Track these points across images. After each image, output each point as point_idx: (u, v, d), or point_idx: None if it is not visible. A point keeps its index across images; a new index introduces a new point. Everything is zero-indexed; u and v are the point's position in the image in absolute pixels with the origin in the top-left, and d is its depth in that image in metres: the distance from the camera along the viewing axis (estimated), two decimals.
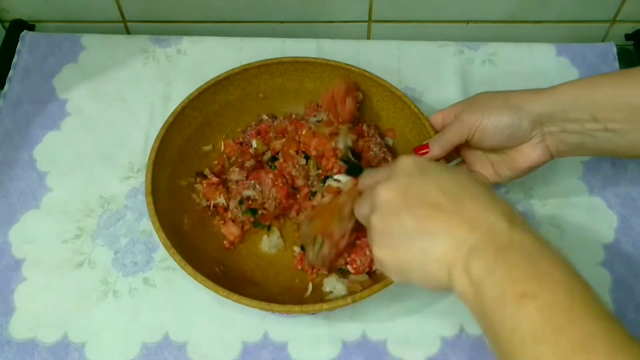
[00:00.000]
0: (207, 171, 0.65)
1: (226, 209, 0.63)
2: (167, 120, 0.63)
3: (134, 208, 0.66)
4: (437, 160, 0.59)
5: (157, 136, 0.62)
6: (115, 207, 0.66)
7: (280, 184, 0.62)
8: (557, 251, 0.40)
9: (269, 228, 0.63)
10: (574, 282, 0.38)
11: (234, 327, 0.59)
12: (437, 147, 0.59)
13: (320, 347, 0.58)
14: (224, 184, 0.64)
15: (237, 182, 0.63)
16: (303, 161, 0.63)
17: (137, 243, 0.64)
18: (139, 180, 0.67)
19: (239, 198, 0.62)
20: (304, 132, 0.64)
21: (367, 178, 0.52)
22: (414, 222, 0.43)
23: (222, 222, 0.63)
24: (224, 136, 0.68)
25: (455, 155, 0.63)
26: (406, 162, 0.47)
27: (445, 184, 0.44)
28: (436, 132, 0.61)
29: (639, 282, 0.61)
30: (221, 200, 0.63)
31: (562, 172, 0.68)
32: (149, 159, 0.60)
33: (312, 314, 0.55)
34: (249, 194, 0.62)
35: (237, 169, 0.64)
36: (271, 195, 0.61)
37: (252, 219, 0.63)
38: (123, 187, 0.67)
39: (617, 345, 0.35)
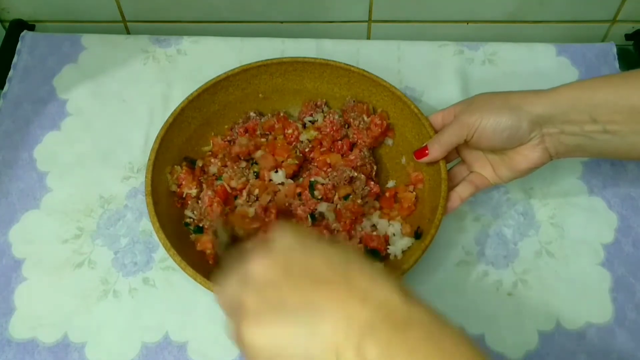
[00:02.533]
0: (199, 162, 0.65)
1: (197, 200, 0.63)
2: (167, 121, 0.63)
3: (134, 208, 0.66)
4: (433, 163, 0.60)
5: (157, 136, 0.62)
6: (115, 207, 0.66)
7: (216, 204, 0.60)
8: (453, 325, 0.36)
9: None
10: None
11: None
12: (437, 148, 0.59)
13: None
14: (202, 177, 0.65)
15: (213, 175, 0.64)
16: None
17: (137, 243, 0.64)
18: (139, 180, 0.67)
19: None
20: (289, 131, 0.65)
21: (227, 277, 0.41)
22: (298, 296, 0.37)
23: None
24: (212, 133, 0.67)
25: (455, 155, 0.63)
26: (282, 236, 0.40)
27: (330, 257, 0.38)
28: (436, 132, 0.61)
29: (639, 282, 0.61)
30: (192, 191, 0.62)
31: (562, 172, 0.68)
32: (149, 159, 0.60)
33: None
34: (190, 215, 0.61)
35: (218, 162, 0.64)
36: (206, 214, 0.60)
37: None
38: (123, 187, 0.67)
39: None
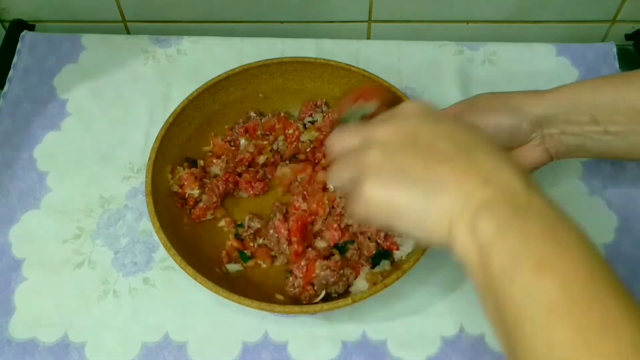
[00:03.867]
0: (201, 162, 0.65)
1: (197, 202, 0.63)
2: (167, 121, 0.63)
3: (134, 208, 0.66)
4: None
5: (157, 136, 0.62)
6: (115, 207, 0.66)
7: (293, 235, 0.60)
8: (577, 224, 0.36)
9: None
10: (596, 259, 0.35)
11: (234, 327, 0.59)
12: None
13: (320, 347, 0.58)
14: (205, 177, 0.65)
15: (215, 176, 0.64)
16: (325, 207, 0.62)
17: (137, 243, 0.64)
18: (139, 180, 0.67)
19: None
20: (290, 131, 0.65)
21: (348, 135, 0.44)
22: (422, 166, 0.38)
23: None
24: (212, 134, 0.67)
25: None
26: (412, 106, 0.42)
27: (456, 134, 0.40)
28: None
29: (639, 282, 0.61)
30: (195, 192, 0.62)
31: (562, 173, 0.68)
32: (149, 159, 0.60)
33: (312, 314, 0.55)
34: (265, 243, 0.62)
35: (221, 164, 0.64)
36: (282, 247, 0.61)
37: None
38: (123, 187, 0.67)
39: (635, 321, 0.32)
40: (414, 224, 0.39)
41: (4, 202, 0.66)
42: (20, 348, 0.58)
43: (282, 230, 0.60)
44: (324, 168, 0.64)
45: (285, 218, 0.61)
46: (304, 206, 0.61)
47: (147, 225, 0.64)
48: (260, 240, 0.62)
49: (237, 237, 0.62)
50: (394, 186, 0.39)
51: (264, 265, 0.61)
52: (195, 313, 0.60)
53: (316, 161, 0.65)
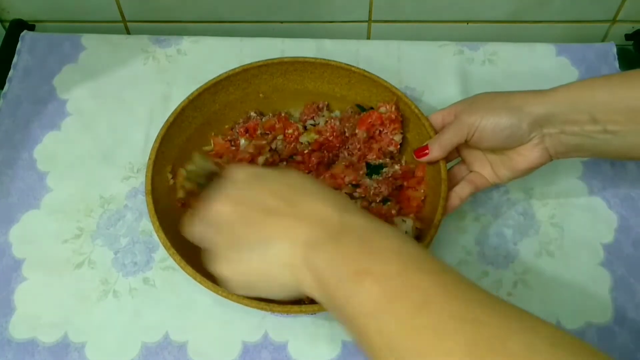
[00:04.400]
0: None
1: None
2: (167, 120, 0.63)
3: (134, 208, 0.66)
4: (433, 163, 0.60)
5: (157, 136, 0.62)
6: (115, 207, 0.66)
7: None
8: (390, 227, 0.41)
9: None
10: (406, 250, 0.39)
11: (234, 327, 0.59)
12: (437, 148, 0.59)
13: (320, 347, 0.58)
14: None
15: None
16: None
17: (137, 243, 0.64)
18: (139, 180, 0.67)
19: None
20: (289, 131, 0.65)
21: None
22: (250, 231, 0.43)
23: None
24: (212, 134, 0.67)
25: (455, 154, 0.63)
26: (236, 172, 0.47)
27: (278, 188, 0.44)
28: (436, 132, 0.61)
29: (639, 282, 0.61)
30: None
31: (562, 172, 0.68)
32: (149, 159, 0.60)
33: (312, 314, 0.55)
34: None
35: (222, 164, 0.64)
36: None
37: None
38: (123, 187, 0.67)
39: (451, 296, 0.35)
40: (267, 284, 0.43)
41: (4, 202, 0.66)
42: (20, 348, 0.58)
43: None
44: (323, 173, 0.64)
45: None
46: None
47: (147, 225, 0.64)
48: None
49: None
50: (235, 262, 0.44)
51: None
52: (195, 313, 0.60)
53: (310, 165, 0.65)
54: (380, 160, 0.64)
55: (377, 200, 0.61)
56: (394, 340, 0.35)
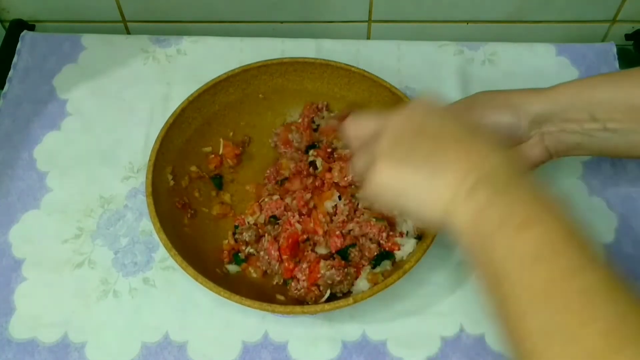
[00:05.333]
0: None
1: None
2: (167, 122, 0.63)
3: (134, 208, 0.66)
4: None
5: (157, 137, 0.62)
6: (115, 207, 0.66)
7: (283, 253, 0.59)
8: (560, 199, 0.41)
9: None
10: (574, 220, 0.39)
11: (234, 327, 0.59)
12: None
13: (320, 347, 0.58)
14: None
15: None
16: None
17: (137, 243, 0.64)
18: (139, 180, 0.67)
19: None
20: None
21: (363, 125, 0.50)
22: (428, 149, 0.43)
23: None
24: (221, 137, 0.67)
25: None
26: (420, 101, 0.47)
27: (460, 122, 0.45)
28: None
29: (639, 282, 0.61)
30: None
31: (562, 172, 0.68)
32: (149, 160, 0.60)
33: (313, 314, 0.55)
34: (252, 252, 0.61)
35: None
36: (274, 268, 0.60)
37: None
38: (123, 187, 0.67)
39: (609, 277, 0.35)
40: (418, 201, 0.43)
41: (4, 202, 0.66)
42: (20, 348, 0.58)
43: (272, 252, 0.59)
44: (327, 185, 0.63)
45: (276, 238, 0.60)
46: (298, 226, 0.60)
47: (147, 225, 0.64)
48: (249, 249, 0.61)
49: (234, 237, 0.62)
50: (402, 166, 0.43)
51: (254, 275, 0.60)
52: (195, 313, 0.60)
53: (309, 174, 0.65)
54: None
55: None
56: (539, 296, 0.35)
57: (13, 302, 0.60)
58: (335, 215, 0.62)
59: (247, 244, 0.61)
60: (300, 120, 0.69)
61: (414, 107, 0.47)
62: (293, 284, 0.58)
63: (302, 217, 0.61)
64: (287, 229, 0.60)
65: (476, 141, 0.43)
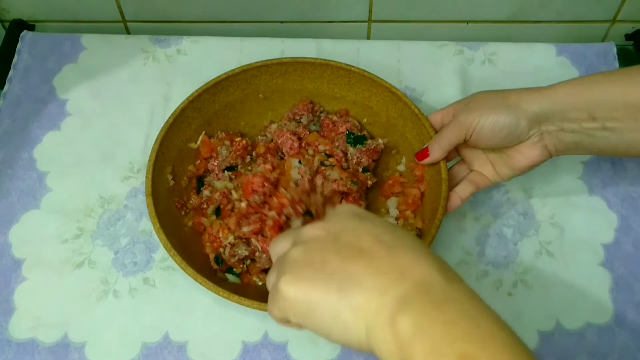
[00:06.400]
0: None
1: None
2: (167, 121, 0.63)
3: (134, 208, 0.66)
4: (434, 164, 0.60)
5: (157, 137, 0.62)
6: (115, 207, 0.66)
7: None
8: (496, 313, 0.36)
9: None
10: (519, 346, 0.33)
11: (234, 327, 0.59)
12: (437, 149, 0.59)
13: (320, 347, 0.58)
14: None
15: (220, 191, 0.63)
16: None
17: (137, 243, 0.64)
18: (139, 180, 0.67)
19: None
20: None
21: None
22: (339, 261, 0.38)
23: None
24: (203, 132, 0.66)
25: (455, 154, 0.63)
26: (344, 208, 0.43)
27: (380, 232, 0.40)
28: (436, 131, 0.61)
29: (639, 282, 0.61)
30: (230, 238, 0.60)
31: (562, 172, 0.68)
32: (149, 160, 0.60)
33: None
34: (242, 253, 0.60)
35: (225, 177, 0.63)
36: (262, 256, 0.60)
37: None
38: (123, 187, 0.67)
39: None
40: (329, 323, 0.37)
41: (4, 202, 0.66)
42: (20, 348, 0.58)
43: (268, 248, 0.58)
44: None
45: (262, 234, 0.59)
46: (272, 213, 0.59)
47: (147, 225, 0.64)
48: (249, 262, 0.60)
49: (217, 262, 0.60)
50: (307, 282, 0.38)
51: (259, 283, 0.60)
52: (195, 313, 0.60)
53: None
54: (364, 132, 0.67)
55: (359, 170, 0.64)
56: None
57: (13, 302, 0.60)
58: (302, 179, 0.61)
59: (244, 259, 0.60)
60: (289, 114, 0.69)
61: (334, 215, 0.43)
62: None
63: (270, 197, 0.60)
64: (265, 220, 0.59)
65: (394, 253, 0.38)
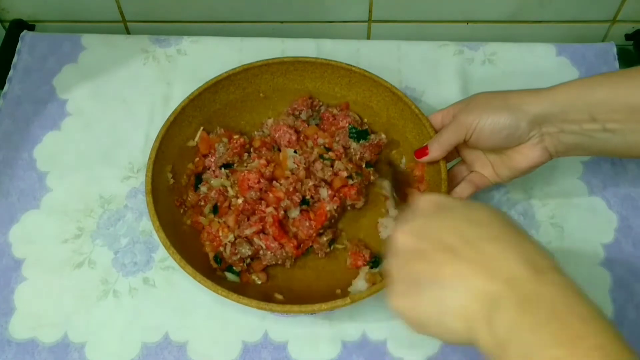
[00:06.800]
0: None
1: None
2: (167, 120, 0.63)
3: (134, 208, 0.66)
4: (433, 163, 0.60)
5: (158, 136, 0.62)
6: (115, 207, 0.66)
7: (279, 239, 0.59)
8: (593, 304, 0.35)
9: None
10: (613, 348, 0.33)
11: (234, 327, 0.59)
12: (436, 148, 0.59)
13: (320, 347, 0.58)
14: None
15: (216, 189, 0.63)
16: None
17: (137, 243, 0.64)
18: (139, 180, 0.67)
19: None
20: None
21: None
22: (425, 268, 0.40)
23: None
24: (201, 128, 0.66)
25: (455, 154, 0.63)
26: (424, 200, 0.44)
27: (462, 225, 0.40)
28: (436, 132, 0.61)
29: (639, 282, 0.61)
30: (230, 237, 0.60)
31: (562, 172, 0.68)
32: (149, 158, 0.60)
33: (312, 313, 0.55)
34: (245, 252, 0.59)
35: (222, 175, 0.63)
36: (282, 255, 0.59)
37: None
38: (123, 187, 0.67)
39: None
40: (436, 328, 0.39)
41: (4, 202, 0.66)
42: (20, 348, 0.58)
43: (271, 244, 0.59)
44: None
45: (265, 236, 0.59)
46: (269, 210, 0.59)
47: (147, 225, 0.64)
48: (248, 260, 0.60)
49: (217, 260, 0.60)
50: (410, 298, 0.40)
51: (259, 282, 0.60)
52: (195, 313, 0.60)
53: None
54: (366, 127, 0.67)
55: (363, 165, 0.64)
56: None
57: (13, 302, 0.60)
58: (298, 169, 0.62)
59: (246, 258, 0.60)
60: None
61: (415, 214, 0.44)
62: (315, 246, 0.60)
63: (266, 193, 0.60)
64: (265, 218, 0.59)
65: (480, 249, 0.38)
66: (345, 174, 0.61)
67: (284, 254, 0.59)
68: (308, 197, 0.60)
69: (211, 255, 0.60)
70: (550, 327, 0.34)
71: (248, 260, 0.60)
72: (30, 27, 0.81)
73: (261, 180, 0.60)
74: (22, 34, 0.78)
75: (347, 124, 0.65)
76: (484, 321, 0.36)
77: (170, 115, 0.63)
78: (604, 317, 0.34)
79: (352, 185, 0.61)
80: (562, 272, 0.37)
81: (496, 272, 0.37)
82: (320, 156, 0.63)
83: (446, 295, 0.38)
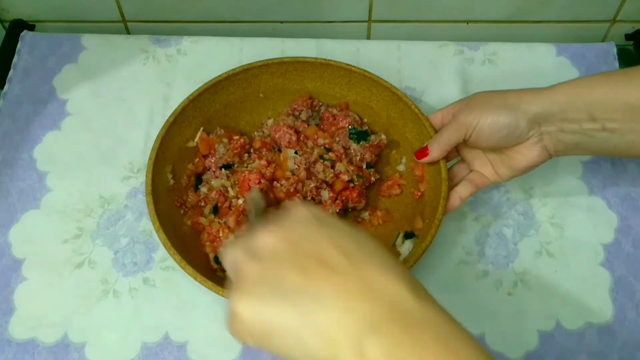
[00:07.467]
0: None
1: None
2: (167, 120, 0.63)
3: (134, 208, 0.66)
4: (434, 163, 0.60)
5: (158, 136, 0.62)
6: (115, 207, 0.66)
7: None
8: (462, 327, 0.34)
9: None
10: None
11: None
12: (436, 148, 0.59)
13: None
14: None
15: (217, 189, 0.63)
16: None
17: (137, 243, 0.64)
18: (139, 180, 0.67)
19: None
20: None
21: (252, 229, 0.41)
22: (299, 276, 0.35)
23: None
24: (201, 128, 0.66)
25: (455, 154, 0.63)
26: (301, 210, 0.39)
27: (343, 241, 0.36)
28: (436, 132, 0.61)
29: (639, 282, 0.61)
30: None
31: (562, 172, 0.68)
32: (149, 158, 0.60)
33: None
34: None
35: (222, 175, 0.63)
36: None
37: None
38: (123, 187, 0.67)
39: None
40: (291, 345, 0.34)
41: (4, 202, 0.66)
42: (20, 348, 0.58)
43: None
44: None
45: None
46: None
47: (147, 225, 0.64)
48: None
49: (217, 261, 0.59)
50: (264, 302, 0.35)
51: None
52: (195, 313, 0.60)
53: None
54: (366, 127, 0.67)
55: (363, 166, 0.64)
56: None
57: (13, 302, 0.60)
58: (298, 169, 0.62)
59: None
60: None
61: (291, 219, 0.39)
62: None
63: (267, 193, 0.60)
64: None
65: (362, 268, 0.35)
66: (346, 177, 0.61)
67: None
68: (309, 198, 0.60)
69: (211, 255, 0.60)
70: (432, 350, 0.32)
71: None
72: (30, 27, 0.81)
73: (262, 180, 0.60)
74: (22, 34, 0.78)
75: (347, 124, 0.65)
76: (357, 347, 0.32)
77: (170, 116, 0.63)
78: (471, 336, 0.34)
79: (353, 187, 0.62)
80: (434, 298, 0.35)
81: (377, 294, 0.34)
82: (321, 157, 0.63)
83: (314, 309, 0.33)
